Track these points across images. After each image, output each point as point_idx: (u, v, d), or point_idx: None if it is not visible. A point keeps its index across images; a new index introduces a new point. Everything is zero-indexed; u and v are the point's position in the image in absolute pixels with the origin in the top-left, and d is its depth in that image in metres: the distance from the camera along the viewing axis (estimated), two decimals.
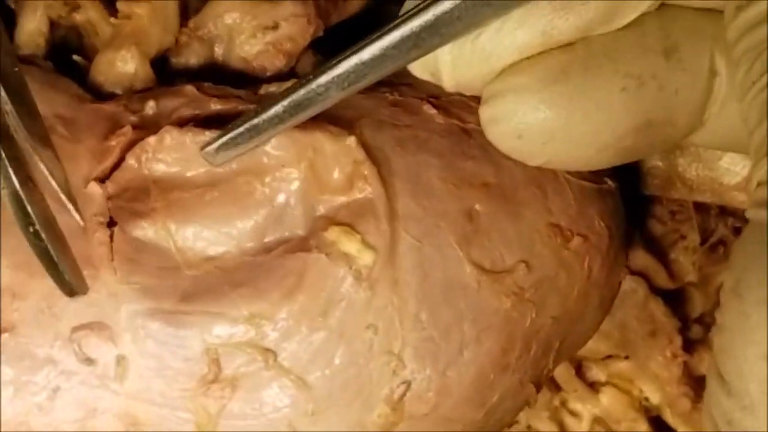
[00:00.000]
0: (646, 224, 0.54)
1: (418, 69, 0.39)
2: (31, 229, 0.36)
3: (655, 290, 0.52)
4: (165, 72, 0.47)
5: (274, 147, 0.41)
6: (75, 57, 0.47)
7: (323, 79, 0.37)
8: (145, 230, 0.40)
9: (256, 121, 0.38)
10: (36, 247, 0.36)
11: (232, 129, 0.39)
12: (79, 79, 0.45)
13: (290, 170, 0.41)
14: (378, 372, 0.41)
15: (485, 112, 0.38)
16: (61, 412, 0.39)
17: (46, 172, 0.38)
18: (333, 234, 0.40)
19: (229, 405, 0.40)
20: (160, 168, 0.41)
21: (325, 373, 0.40)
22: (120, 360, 0.39)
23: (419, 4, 0.35)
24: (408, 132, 0.43)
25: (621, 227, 0.48)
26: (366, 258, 0.40)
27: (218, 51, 0.48)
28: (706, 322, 0.54)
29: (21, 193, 0.35)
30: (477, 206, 0.42)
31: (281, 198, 0.41)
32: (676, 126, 0.38)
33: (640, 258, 0.52)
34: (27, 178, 0.36)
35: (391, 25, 0.36)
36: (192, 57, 0.48)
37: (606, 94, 0.37)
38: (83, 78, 0.46)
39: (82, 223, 0.39)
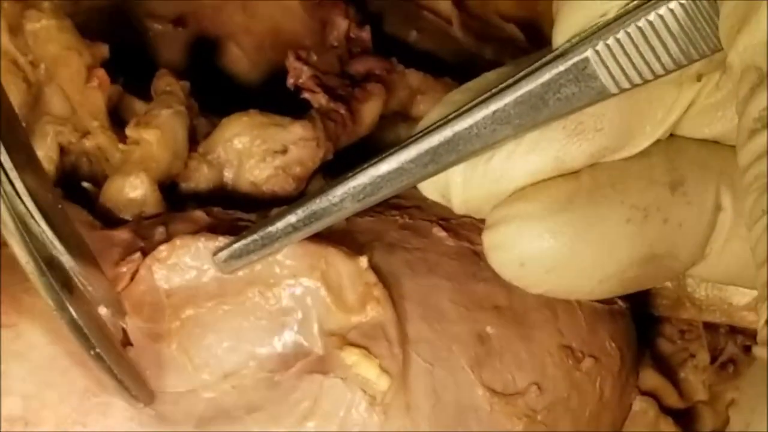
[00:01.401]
0: (655, 343, 0.54)
1: (429, 189, 0.39)
2: (93, 353, 0.36)
3: (665, 409, 0.52)
4: (174, 197, 0.47)
5: (286, 256, 0.40)
6: (84, 184, 0.47)
7: (339, 190, 0.37)
8: (163, 354, 0.40)
9: (269, 229, 0.38)
10: (100, 369, 0.37)
11: (246, 236, 0.39)
12: (89, 205, 0.45)
13: (303, 280, 0.41)
14: None
15: (489, 238, 0.38)
16: None
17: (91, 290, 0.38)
18: (351, 357, 0.40)
19: None
20: (172, 278, 0.41)
21: None
22: None
23: (438, 121, 0.36)
24: (418, 255, 0.43)
25: (632, 348, 0.48)
26: (382, 384, 0.39)
27: (228, 175, 0.48)
28: None
29: (78, 320, 0.36)
30: (488, 329, 0.43)
31: (294, 309, 0.41)
32: (678, 259, 0.38)
33: (650, 378, 0.52)
34: (79, 301, 0.37)
35: (409, 139, 0.36)
36: (201, 182, 0.48)
37: (611, 225, 0.37)
38: (93, 204, 0.46)
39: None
